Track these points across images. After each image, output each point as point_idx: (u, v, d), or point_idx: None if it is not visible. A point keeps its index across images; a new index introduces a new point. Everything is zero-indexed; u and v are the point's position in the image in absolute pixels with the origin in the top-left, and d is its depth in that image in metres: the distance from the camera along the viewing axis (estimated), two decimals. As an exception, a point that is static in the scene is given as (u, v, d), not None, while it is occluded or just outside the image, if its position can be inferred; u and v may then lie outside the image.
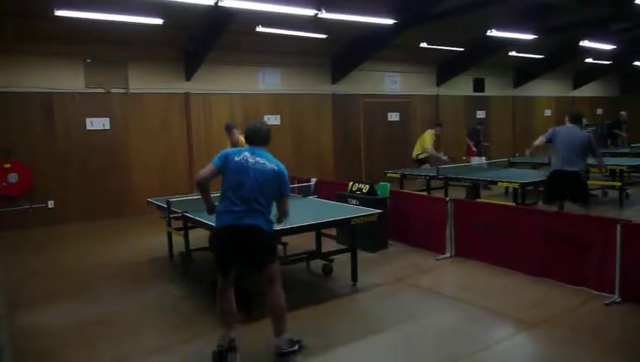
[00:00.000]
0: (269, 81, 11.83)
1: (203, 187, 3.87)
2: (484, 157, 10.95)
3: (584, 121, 13.62)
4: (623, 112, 14.30)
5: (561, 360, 3.77)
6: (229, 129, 7.72)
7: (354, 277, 5.49)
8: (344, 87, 12.90)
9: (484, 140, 12.00)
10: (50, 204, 9.38)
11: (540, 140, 6.62)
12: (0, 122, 8.88)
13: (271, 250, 3.86)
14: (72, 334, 4.51)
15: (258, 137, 3.88)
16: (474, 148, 12.21)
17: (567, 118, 6.61)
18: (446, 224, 6.42)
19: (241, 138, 7.73)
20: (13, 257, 7.21)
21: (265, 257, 3.78)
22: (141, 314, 4.94)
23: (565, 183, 6.37)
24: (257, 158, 3.75)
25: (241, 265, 3.91)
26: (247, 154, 3.77)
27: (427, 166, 10.13)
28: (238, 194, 3.67)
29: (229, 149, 3.95)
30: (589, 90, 19.32)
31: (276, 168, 3.76)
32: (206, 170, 3.80)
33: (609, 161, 10.14)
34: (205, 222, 5.21)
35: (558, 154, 6.46)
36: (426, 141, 10.21)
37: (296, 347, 3.86)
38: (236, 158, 3.74)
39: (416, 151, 10.44)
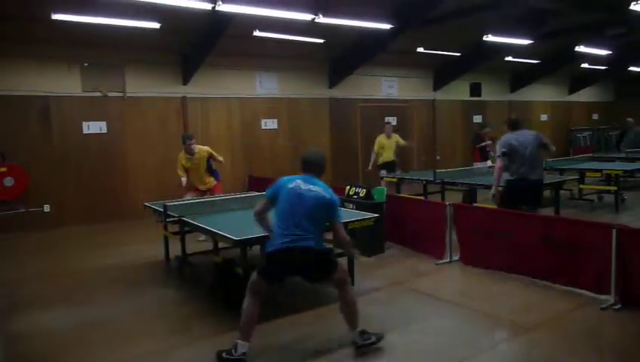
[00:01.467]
0: (266, 86, 11.84)
1: (260, 219, 4.04)
2: (489, 161, 10.92)
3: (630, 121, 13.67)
4: (630, 119, 14.17)
5: (558, 364, 3.79)
6: (189, 139, 7.85)
7: (351, 281, 5.47)
8: (341, 92, 12.93)
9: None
10: (47, 207, 9.36)
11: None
12: (-4, 125, 8.88)
13: (326, 265, 3.92)
14: (69, 337, 4.49)
15: (314, 166, 4.04)
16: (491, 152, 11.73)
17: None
18: (445, 228, 6.43)
19: (200, 147, 7.88)
20: (9, 261, 7.18)
21: (323, 271, 3.91)
22: (138, 318, 4.92)
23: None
24: (310, 186, 3.86)
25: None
26: (299, 181, 3.88)
27: (384, 172, 10.28)
28: (289, 220, 3.77)
29: (283, 178, 3.98)
30: (584, 95, 19.41)
31: (327, 196, 3.88)
32: (260, 205, 3.99)
33: (604, 166, 10.20)
34: (201, 226, 5.22)
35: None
36: (375, 146, 10.50)
37: (372, 338, 3.97)
38: (289, 186, 3.84)
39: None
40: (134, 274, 6.37)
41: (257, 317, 3.87)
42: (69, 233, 9.03)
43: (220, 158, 8.03)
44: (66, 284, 6.06)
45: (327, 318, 4.75)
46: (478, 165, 10.83)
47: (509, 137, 6.19)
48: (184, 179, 7.76)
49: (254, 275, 3.89)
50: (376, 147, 10.55)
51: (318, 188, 3.87)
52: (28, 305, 5.36)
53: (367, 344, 3.93)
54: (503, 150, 6.15)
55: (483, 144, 11.09)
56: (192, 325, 4.66)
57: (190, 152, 7.80)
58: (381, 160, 10.51)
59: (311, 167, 4.01)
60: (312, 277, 4.01)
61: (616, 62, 16.30)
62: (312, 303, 5.11)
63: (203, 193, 7.97)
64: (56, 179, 9.44)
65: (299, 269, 3.89)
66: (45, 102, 9.29)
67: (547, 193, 9.82)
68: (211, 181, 8.12)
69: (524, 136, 6.16)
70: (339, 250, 6.04)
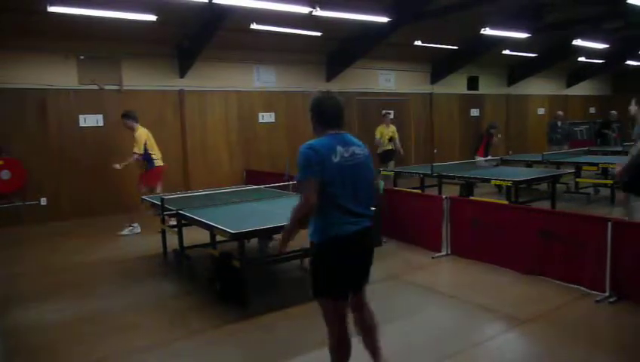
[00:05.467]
0: (263, 79, 11.82)
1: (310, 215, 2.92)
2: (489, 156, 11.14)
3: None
4: (613, 111, 14.21)
5: (549, 356, 3.82)
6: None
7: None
8: (338, 85, 12.89)
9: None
10: (43, 201, 9.34)
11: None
12: (-8, 119, 8.85)
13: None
14: (65, 331, 4.50)
15: (342, 117, 3.05)
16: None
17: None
18: (442, 222, 6.45)
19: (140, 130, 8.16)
20: (6, 254, 7.18)
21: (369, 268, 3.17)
22: (136, 311, 4.93)
23: None
24: (350, 149, 2.97)
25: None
26: (340, 148, 2.92)
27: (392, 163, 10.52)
28: (350, 203, 2.93)
29: (315, 145, 2.93)
30: (581, 89, 19.43)
31: (366, 151, 3.10)
32: (312, 190, 2.82)
33: (601, 160, 10.23)
34: (199, 219, 5.22)
35: None
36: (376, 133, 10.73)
37: None
38: (334, 160, 2.88)
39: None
40: (132, 268, 6.37)
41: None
42: (66, 226, 9.02)
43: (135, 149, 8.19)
44: (64, 277, 6.07)
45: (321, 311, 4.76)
46: (480, 159, 10.84)
47: None
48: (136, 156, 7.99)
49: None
50: (377, 134, 10.77)
51: (356, 146, 3.02)
52: (25, 298, 5.37)
53: None
54: None
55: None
56: (190, 318, 4.68)
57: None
58: (379, 149, 10.71)
59: (339, 119, 3.05)
60: (367, 275, 3.18)
61: (613, 56, 16.31)
62: (306, 296, 5.09)
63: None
64: (53, 172, 9.42)
65: (367, 260, 3.12)
66: (42, 95, 9.25)
67: (544, 187, 9.93)
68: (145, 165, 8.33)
69: None
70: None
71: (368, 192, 3.05)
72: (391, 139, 10.80)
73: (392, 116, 11.43)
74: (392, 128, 10.94)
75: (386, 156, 10.77)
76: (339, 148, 2.92)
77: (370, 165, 3.09)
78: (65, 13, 7.73)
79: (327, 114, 3.04)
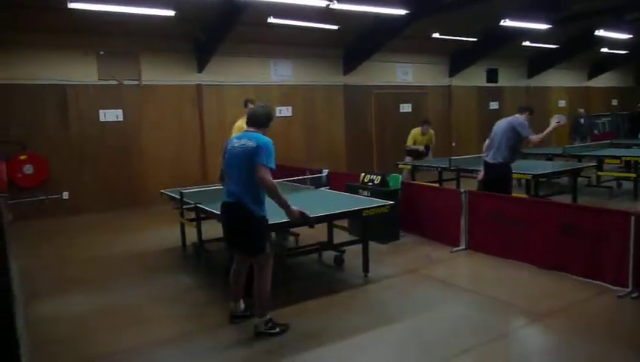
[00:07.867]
0: (280, 73, 11.83)
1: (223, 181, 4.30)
2: None
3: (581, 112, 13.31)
4: (581, 110, 13.78)
5: (569, 351, 3.77)
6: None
7: (365, 268, 5.51)
8: (356, 79, 12.86)
9: None
10: (65, 194, 9.51)
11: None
12: (15, 114, 9.00)
13: (258, 236, 3.97)
14: (85, 323, 4.58)
15: (254, 120, 4.09)
16: None
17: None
18: (460, 216, 6.40)
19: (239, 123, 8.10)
20: (29, 247, 7.32)
21: (251, 243, 4.00)
22: (153, 304, 5.00)
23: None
24: (242, 141, 3.97)
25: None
26: (236, 140, 4.04)
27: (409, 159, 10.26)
28: (229, 178, 4.08)
29: (231, 138, 4.25)
30: (603, 81, 19.04)
31: (254, 143, 3.86)
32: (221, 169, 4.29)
33: (623, 152, 10.04)
34: (217, 213, 5.24)
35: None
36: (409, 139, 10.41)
37: (276, 329, 4.10)
38: (228, 148, 4.08)
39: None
40: (151, 261, 6.46)
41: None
42: (87, 220, 9.17)
43: None
44: (83, 270, 6.18)
45: (339, 305, 4.78)
46: None
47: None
48: None
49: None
50: (409, 141, 10.35)
51: (246, 139, 3.93)
52: (48, 290, 5.48)
53: (268, 332, 4.06)
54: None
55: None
56: (207, 312, 4.72)
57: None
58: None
59: (250, 121, 4.10)
60: (242, 245, 4.10)
61: (636, 47, 15.94)
62: (324, 290, 5.13)
63: None
64: (75, 166, 9.58)
65: (234, 227, 4.11)
66: (62, 90, 9.39)
67: (565, 180, 9.78)
68: None
69: (501, 122, 6.99)
70: (354, 237, 6.06)
71: (239, 175, 3.94)
72: (427, 146, 10.47)
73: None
74: (430, 134, 10.51)
75: (416, 154, 10.58)
76: (235, 140, 4.04)
77: (247, 154, 3.83)
78: (85, 9, 7.83)
79: (247, 117, 4.17)
